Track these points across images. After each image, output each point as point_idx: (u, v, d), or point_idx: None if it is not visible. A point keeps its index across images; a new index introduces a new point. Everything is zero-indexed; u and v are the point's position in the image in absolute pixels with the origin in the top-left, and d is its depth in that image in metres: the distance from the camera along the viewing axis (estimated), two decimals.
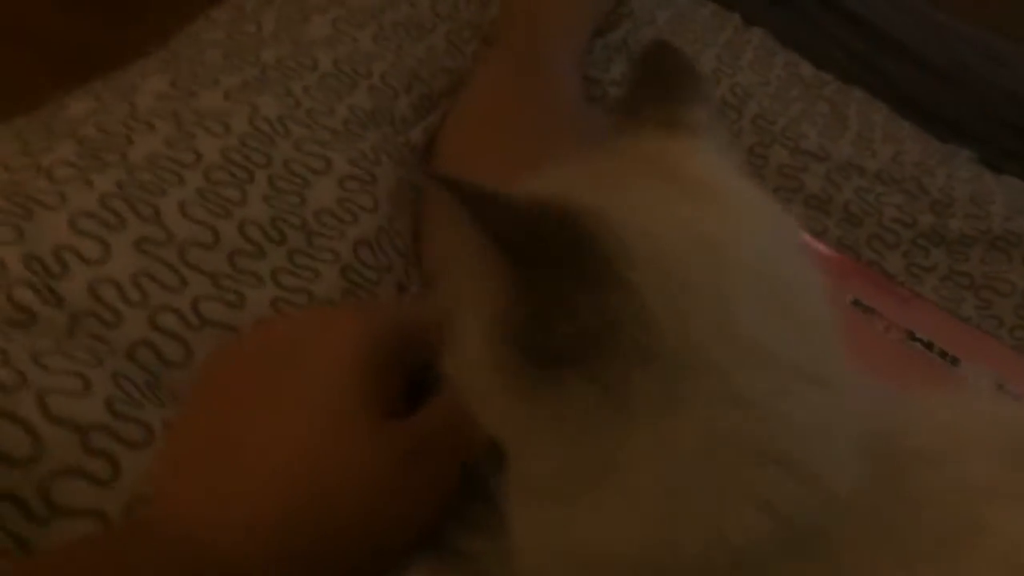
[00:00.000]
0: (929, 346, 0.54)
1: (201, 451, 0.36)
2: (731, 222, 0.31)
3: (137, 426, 0.44)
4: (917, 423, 0.33)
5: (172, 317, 0.51)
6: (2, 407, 0.40)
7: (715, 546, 0.27)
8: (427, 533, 0.38)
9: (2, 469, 0.40)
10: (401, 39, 0.80)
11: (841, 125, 0.98)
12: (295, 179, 0.61)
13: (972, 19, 1.34)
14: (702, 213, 0.31)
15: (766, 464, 0.27)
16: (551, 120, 0.73)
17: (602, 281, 0.28)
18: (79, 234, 0.51)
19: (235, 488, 0.34)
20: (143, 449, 0.43)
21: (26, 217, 0.51)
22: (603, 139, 0.79)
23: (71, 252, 0.50)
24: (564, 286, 0.28)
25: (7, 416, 0.40)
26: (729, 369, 0.28)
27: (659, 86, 0.38)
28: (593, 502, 0.28)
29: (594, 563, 0.29)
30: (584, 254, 0.28)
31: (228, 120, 0.62)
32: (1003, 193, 0.96)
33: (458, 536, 0.38)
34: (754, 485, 0.27)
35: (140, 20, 1.51)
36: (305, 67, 0.70)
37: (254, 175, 0.60)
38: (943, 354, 0.54)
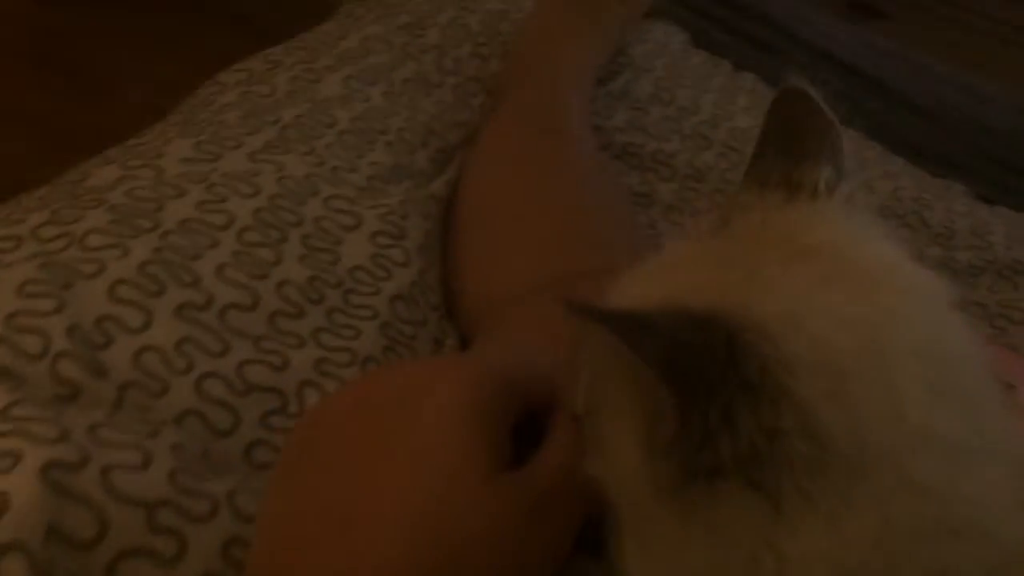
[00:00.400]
0: None
1: (311, 520, 0.33)
2: (882, 301, 0.30)
3: (202, 499, 0.42)
4: None
5: (218, 383, 0.50)
6: (67, 486, 0.39)
7: None
8: None
9: (68, 552, 0.38)
10: (412, 95, 0.80)
11: None
12: (327, 237, 0.60)
13: (949, 60, 1.38)
14: (849, 296, 0.30)
15: (941, 536, 0.27)
16: (568, 164, 0.73)
17: (763, 393, 0.27)
18: (120, 303, 0.50)
19: (355, 557, 0.32)
20: (208, 523, 0.42)
21: (65, 287, 0.50)
22: (616, 180, 0.80)
23: (113, 321, 0.49)
24: (724, 402, 0.27)
25: (72, 496, 0.39)
26: (903, 461, 0.27)
27: (784, 140, 0.36)
28: None
29: None
30: (742, 368, 0.28)
31: (256, 180, 0.61)
32: (1000, 223, 0.97)
33: None
34: (932, 558, 0.27)
35: (110, 94, 1.51)
36: (323, 124, 0.70)
37: (287, 235, 0.59)
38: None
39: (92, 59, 1.62)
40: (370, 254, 0.61)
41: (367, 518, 0.33)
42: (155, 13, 1.73)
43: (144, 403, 0.47)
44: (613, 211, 0.72)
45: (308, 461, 0.36)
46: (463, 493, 0.33)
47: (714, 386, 0.27)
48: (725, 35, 1.14)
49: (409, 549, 0.32)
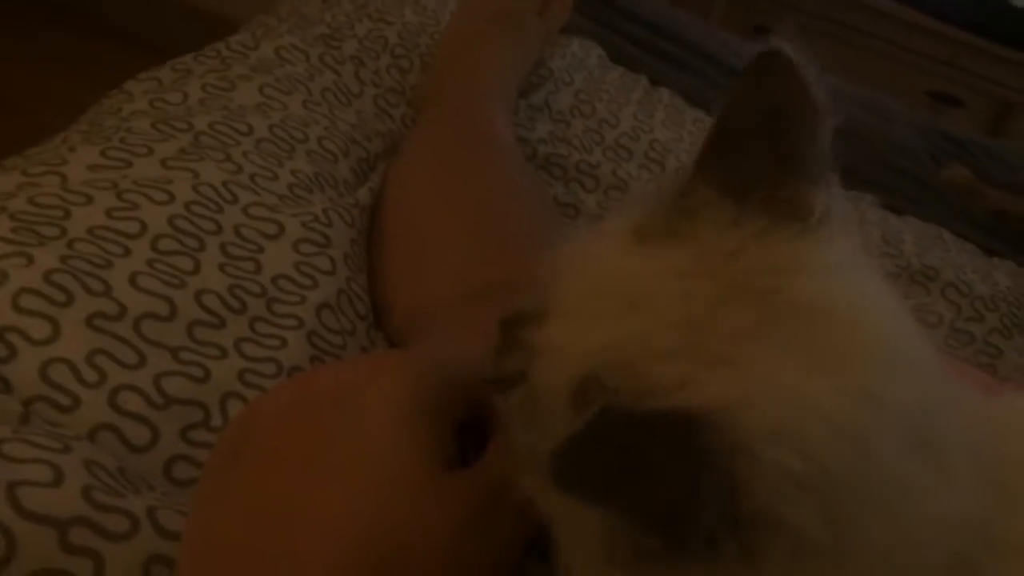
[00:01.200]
0: None
1: (245, 528, 0.31)
2: (875, 392, 0.27)
3: (120, 516, 0.39)
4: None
5: (134, 396, 0.46)
6: None
7: None
8: None
9: None
10: (331, 104, 0.78)
11: None
12: (248, 245, 0.58)
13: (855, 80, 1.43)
14: (842, 393, 0.26)
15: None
16: (495, 173, 0.72)
17: (754, 523, 0.25)
18: (24, 313, 0.46)
19: (296, 565, 0.30)
20: (127, 541, 0.39)
21: None
22: (542, 190, 0.79)
23: (16, 333, 0.46)
24: (712, 537, 0.24)
25: None
26: (895, 548, 0.26)
27: (765, 135, 0.30)
28: None
29: None
30: (740, 507, 0.25)
31: (170, 188, 0.58)
32: (909, 232, 1.01)
33: None
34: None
35: (9, 112, 1.44)
36: (240, 132, 0.67)
37: (205, 243, 0.56)
38: None
39: None
40: (294, 262, 0.58)
41: (307, 523, 0.30)
42: (54, 32, 1.66)
43: (53, 418, 0.44)
44: (541, 219, 0.71)
45: (239, 467, 0.33)
46: (408, 490, 0.31)
47: (707, 536, 0.25)
48: (639, 51, 1.15)
49: (353, 552, 0.30)
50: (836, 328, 0.28)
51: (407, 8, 0.96)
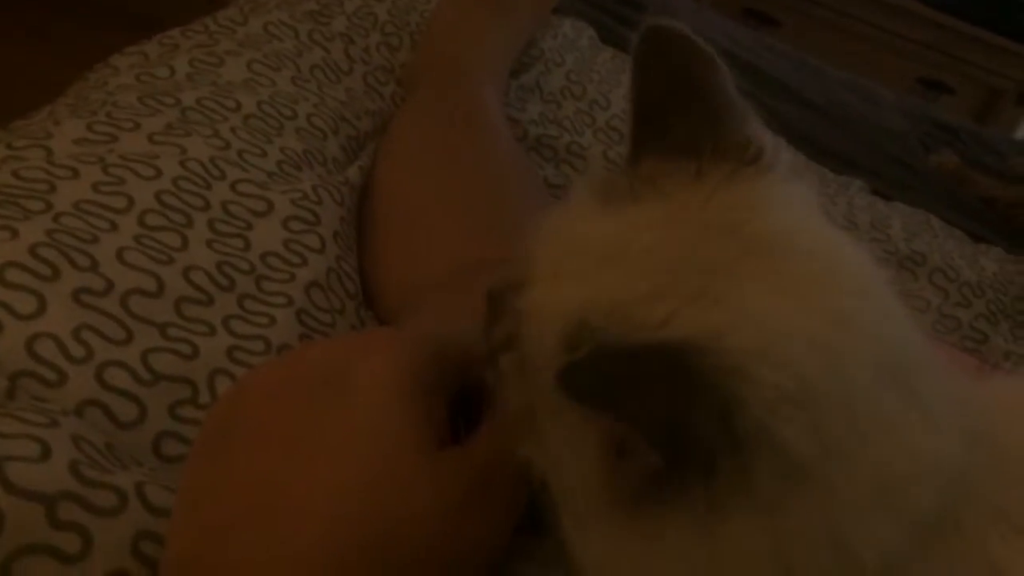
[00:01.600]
0: None
1: (231, 505, 0.31)
2: (841, 309, 0.28)
3: (108, 492, 0.39)
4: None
5: (121, 372, 0.46)
6: None
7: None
8: (497, 565, 0.34)
9: None
10: (320, 81, 0.77)
11: None
12: (236, 222, 0.57)
13: (837, 65, 1.43)
14: (811, 311, 0.28)
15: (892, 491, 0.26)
16: (486, 153, 0.72)
17: (748, 445, 0.25)
18: (9, 287, 0.46)
19: (286, 545, 0.29)
20: (116, 517, 0.38)
21: None
22: (532, 171, 0.79)
23: (2, 308, 0.45)
24: (710, 460, 0.25)
25: None
26: (882, 483, 0.27)
27: (686, 97, 0.31)
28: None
29: None
30: (733, 431, 0.25)
31: (157, 163, 0.57)
32: (897, 217, 1.01)
33: (513, 568, 0.35)
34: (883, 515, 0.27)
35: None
36: (228, 108, 0.67)
37: (192, 219, 0.55)
38: None
39: None
40: (283, 240, 0.58)
41: (294, 499, 0.30)
42: (47, 14, 1.64)
43: (40, 393, 0.43)
44: (531, 199, 0.71)
45: (227, 443, 0.32)
46: (401, 468, 0.30)
47: (706, 455, 0.25)
48: (630, 32, 1.14)
49: (340, 531, 0.29)
50: (805, 258, 0.29)
51: None
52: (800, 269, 0.29)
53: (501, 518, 0.33)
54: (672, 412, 0.25)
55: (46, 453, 0.38)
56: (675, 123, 0.31)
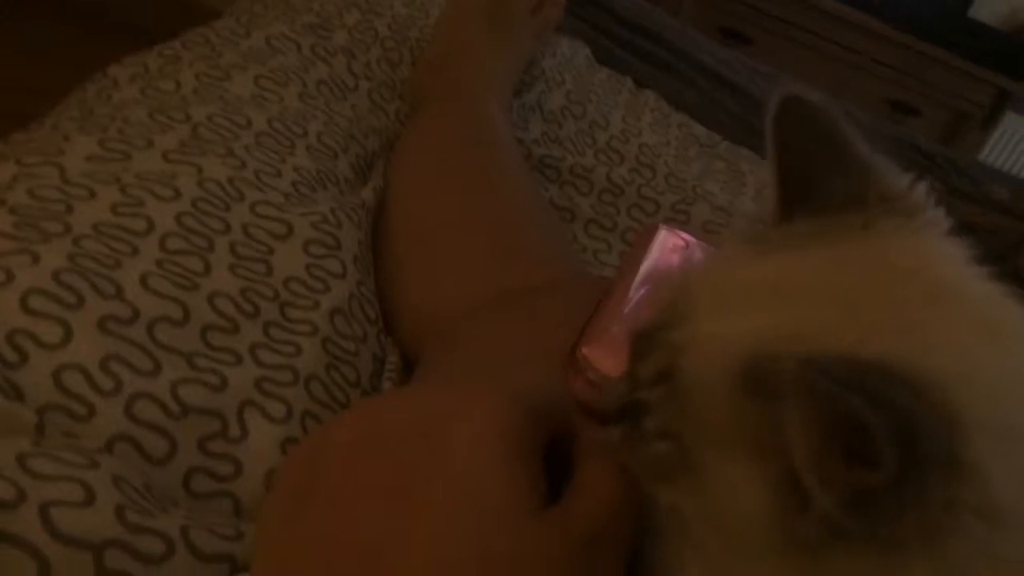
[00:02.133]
0: None
1: (326, 567, 0.28)
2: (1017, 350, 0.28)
3: (154, 538, 0.37)
4: None
5: (151, 406, 0.44)
6: (2, 528, 0.33)
7: None
8: None
9: None
10: (327, 98, 0.76)
11: (738, 181, 1.01)
12: (258, 246, 0.56)
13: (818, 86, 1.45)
14: (995, 345, 0.27)
15: None
16: (501, 175, 0.71)
17: (954, 464, 0.24)
18: (34, 315, 0.44)
19: None
20: (163, 564, 0.37)
21: None
22: (541, 193, 0.78)
23: (27, 336, 0.43)
24: (925, 475, 0.24)
25: (9, 539, 0.33)
26: None
27: (827, 155, 0.32)
28: None
29: None
30: (951, 440, 0.24)
31: (176, 184, 0.56)
32: None
33: None
34: None
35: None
36: (239, 126, 0.65)
37: (214, 243, 0.54)
38: None
39: None
40: (305, 264, 0.56)
41: (397, 556, 0.28)
42: (27, 19, 1.59)
43: (69, 428, 0.42)
44: (547, 223, 0.70)
45: (311, 504, 0.30)
46: (512, 533, 0.29)
47: (929, 461, 0.24)
48: (625, 53, 1.14)
49: None
50: (985, 306, 0.29)
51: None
52: (985, 314, 0.29)
53: (614, 570, 0.32)
54: (902, 418, 0.23)
55: (90, 497, 0.36)
56: (822, 184, 0.32)
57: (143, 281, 0.49)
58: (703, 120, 1.09)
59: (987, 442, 0.25)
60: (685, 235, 0.62)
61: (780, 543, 0.26)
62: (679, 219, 0.87)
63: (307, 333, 0.53)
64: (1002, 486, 0.25)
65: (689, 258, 0.59)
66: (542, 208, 0.73)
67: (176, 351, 0.47)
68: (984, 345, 0.28)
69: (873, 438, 0.23)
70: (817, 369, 0.24)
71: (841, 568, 0.26)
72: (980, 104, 2.33)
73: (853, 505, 0.24)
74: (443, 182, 0.68)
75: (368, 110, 0.80)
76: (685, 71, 1.20)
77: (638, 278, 0.52)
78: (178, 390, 0.46)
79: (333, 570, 0.29)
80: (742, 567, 0.28)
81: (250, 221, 0.57)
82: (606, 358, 0.43)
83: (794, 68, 1.80)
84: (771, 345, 0.27)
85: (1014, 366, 0.28)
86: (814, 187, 0.31)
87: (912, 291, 0.29)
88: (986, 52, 2.28)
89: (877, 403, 0.23)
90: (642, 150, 0.95)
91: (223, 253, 0.54)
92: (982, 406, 0.26)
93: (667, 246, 0.59)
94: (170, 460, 0.44)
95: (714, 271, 0.32)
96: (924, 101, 2.32)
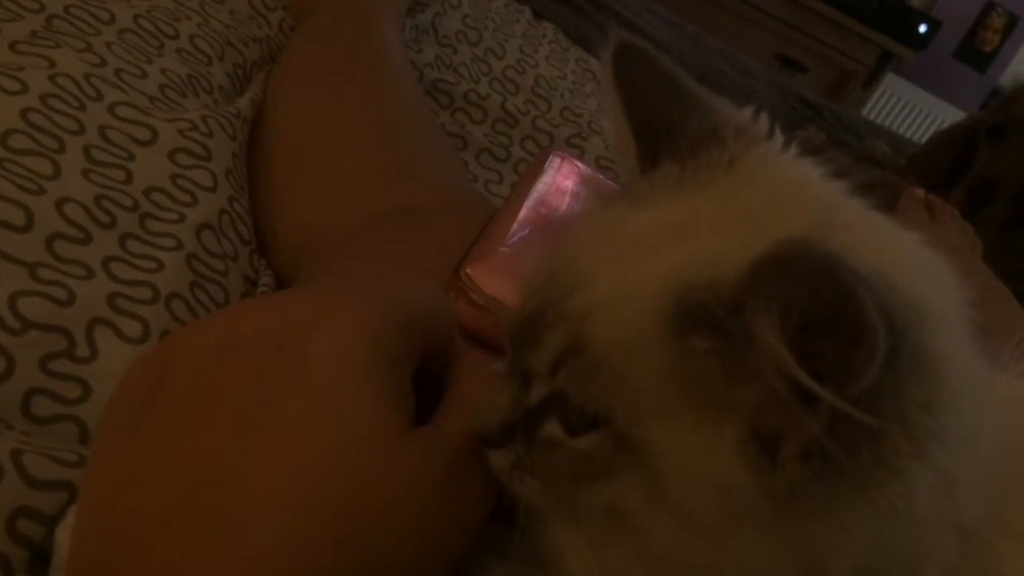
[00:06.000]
0: None
1: (169, 495, 0.25)
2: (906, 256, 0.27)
3: None
4: None
5: None
6: None
7: None
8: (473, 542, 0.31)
9: None
10: (202, 0, 0.70)
11: None
12: (116, 150, 0.50)
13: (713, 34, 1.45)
14: (882, 243, 0.27)
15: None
16: (390, 92, 0.67)
17: (922, 364, 0.23)
18: None
19: (241, 541, 0.24)
20: None
21: None
22: (435, 116, 0.75)
23: None
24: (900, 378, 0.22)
25: None
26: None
27: (672, 98, 0.31)
28: None
29: None
30: (906, 324, 0.22)
31: (22, 76, 0.50)
32: None
33: (483, 562, 0.31)
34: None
35: None
36: (100, 20, 0.59)
37: (65, 144, 0.48)
38: None
39: None
40: (170, 174, 0.52)
41: (248, 486, 0.25)
42: None
43: None
44: (439, 144, 0.67)
45: (154, 418, 0.27)
46: (374, 451, 0.26)
47: (907, 351, 0.22)
48: None
49: (309, 520, 0.25)
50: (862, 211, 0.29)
51: None
52: (869, 218, 0.29)
53: (476, 504, 0.30)
54: (880, 303, 0.21)
55: None
56: (675, 125, 0.30)
57: None
58: (599, 56, 1.07)
59: (944, 332, 0.24)
60: (580, 164, 0.60)
61: (756, 509, 0.24)
62: (573, 153, 0.85)
63: (170, 248, 0.48)
64: (957, 378, 0.24)
65: (580, 193, 0.57)
66: (435, 129, 0.70)
67: (16, 260, 0.42)
68: (886, 240, 0.27)
69: (860, 321, 0.21)
70: (776, 267, 0.22)
71: (831, 521, 0.24)
72: (864, 64, 2.39)
73: (845, 416, 0.22)
74: (327, 96, 0.64)
75: (249, 16, 0.74)
76: (583, 6, 1.18)
77: (529, 200, 0.50)
78: (17, 303, 0.41)
79: (169, 493, 0.25)
80: (709, 550, 0.25)
81: (108, 123, 0.51)
82: (491, 279, 0.41)
83: (688, 15, 1.80)
84: (694, 276, 0.24)
85: (921, 255, 0.27)
86: (670, 130, 0.30)
87: (803, 207, 0.28)
88: (873, 14, 2.33)
89: (852, 288, 0.21)
90: (538, 81, 0.92)
91: (75, 156, 0.48)
92: (929, 297, 0.25)
93: (561, 171, 0.57)
94: (6, 379, 0.39)
95: (596, 232, 0.29)
96: (811, 58, 2.37)
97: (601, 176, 0.60)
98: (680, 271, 0.25)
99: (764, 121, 0.31)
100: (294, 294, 0.37)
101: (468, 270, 0.42)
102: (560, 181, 0.55)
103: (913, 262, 0.27)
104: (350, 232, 0.52)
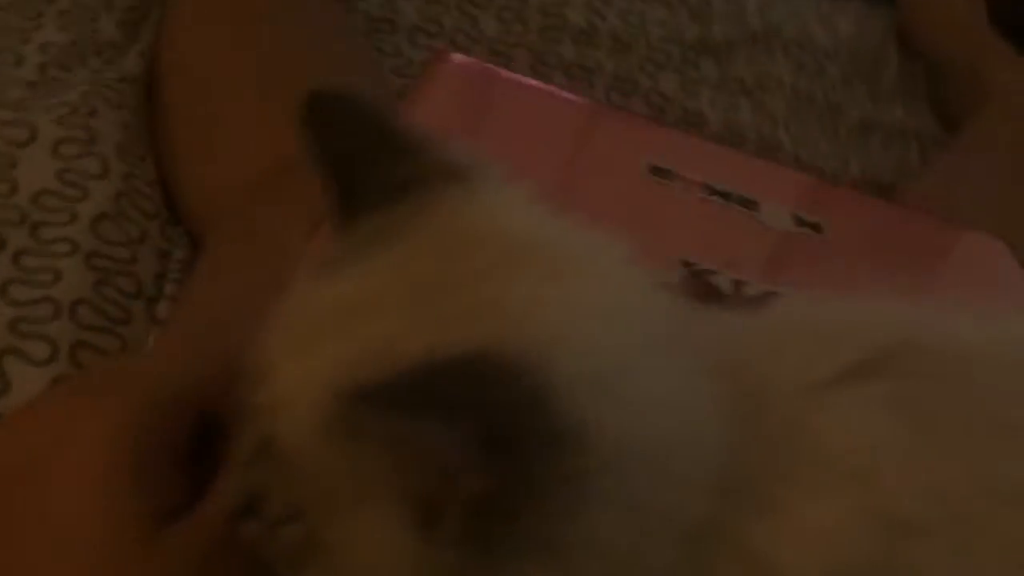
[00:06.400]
0: (727, 196, 0.53)
1: None
2: (607, 286, 0.27)
3: None
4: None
5: None
6: None
7: None
8: None
9: None
10: None
11: None
12: None
13: None
14: (577, 291, 0.26)
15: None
16: (300, 20, 0.63)
17: (567, 438, 0.23)
18: None
19: None
20: None
21: None
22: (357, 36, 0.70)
23: None
24: (539, 465, 0.22)
25: None
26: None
27: (371, 144, 0.29)
28: None
29: None
30: (553, 419, 0.22)
31: None
32: None
33: None
34: None
35: None
36: None
37: None
38: (742, 201, 0.53)
39: None
40: (55, 171, 0.51)
41: None
42: None
43: None
44: (359, 77, 0.64)
45: None
46: (117, 568, 0.28)
47: (533, 450, 0.22)
48: None
49: None
50: (552, 249, 0.28)
51: None
52: (554, 259, 0.27)
53: None
54: (496, 415, 0.22)
55: None
56: (374, 175, 0.28)
57: None
58: None
59: (587, 395, 0.23)
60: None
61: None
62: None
63: (65, 253, 0.49)
64: (614, 432, 0.24)
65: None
66: (356, 58, 0.66)
67: None
68: (560, 291, 0.26)
69: (462, 456, 0.22)
70: (369, 405, 0.22)
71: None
72: None
73: (478, 519, 0.23)
74: (226, 31, 0.61)
75: None
76: None
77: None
78: None
79: None
80: None
81: None
82: None
83: None
84: (352, 374, 0.24)
85: (588, 301, 0.26)
86: (369, 182, 0.28)
87: (482, 261, 0.26)
88: None
89: (454, 415, 0.21)
90: None
91: None
92: (571, 360, 0.24)
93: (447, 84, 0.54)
94: None
95: (288, 311, 0.28)
96: None
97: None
98: (340, 366, 0.25)
99: (473, 150, 0.29)
100: (36, 409, 0.36)
101: None
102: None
103: (596, 318, 0.26)
104: (246, 186, 0.52)
